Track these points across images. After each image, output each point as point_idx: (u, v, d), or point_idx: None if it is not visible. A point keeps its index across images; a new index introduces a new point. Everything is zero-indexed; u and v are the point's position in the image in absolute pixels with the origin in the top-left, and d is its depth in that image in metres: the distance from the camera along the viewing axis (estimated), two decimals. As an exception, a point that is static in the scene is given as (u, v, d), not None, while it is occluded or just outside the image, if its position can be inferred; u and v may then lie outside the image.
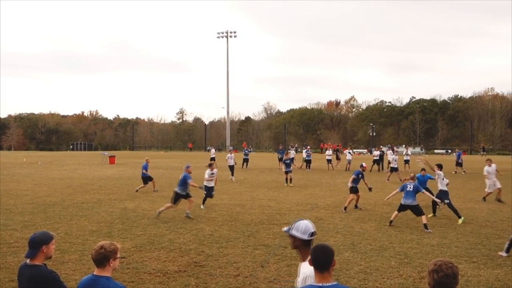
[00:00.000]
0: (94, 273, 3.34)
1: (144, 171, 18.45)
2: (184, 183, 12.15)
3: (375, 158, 30.94)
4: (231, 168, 23.96)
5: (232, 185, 20.43)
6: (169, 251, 8.42)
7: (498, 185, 15.19)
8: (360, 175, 13.93)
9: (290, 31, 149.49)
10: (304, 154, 33.05)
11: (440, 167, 12.59)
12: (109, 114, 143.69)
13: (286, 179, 20.63)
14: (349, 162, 31.37)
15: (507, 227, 10.73)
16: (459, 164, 29.04)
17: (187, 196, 12.16)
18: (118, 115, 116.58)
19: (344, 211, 13.10)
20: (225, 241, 9.26)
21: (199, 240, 9.30)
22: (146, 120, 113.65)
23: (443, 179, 12.49)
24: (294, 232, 3.31)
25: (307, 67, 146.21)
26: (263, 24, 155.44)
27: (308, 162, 31.51)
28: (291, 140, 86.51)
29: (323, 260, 2.83)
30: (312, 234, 3.31)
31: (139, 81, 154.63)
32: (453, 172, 28.03)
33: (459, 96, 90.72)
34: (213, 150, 38.01)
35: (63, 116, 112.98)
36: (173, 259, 7.85)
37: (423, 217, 10.61)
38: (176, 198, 12.11)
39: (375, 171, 29.61)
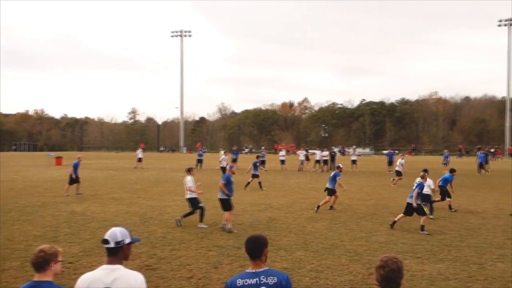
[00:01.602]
0: (34, 279, 3.16)
1: (73, 168, 17.12)
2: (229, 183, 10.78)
3: (324, 158, 31.70)
4: (224, 169, 22.39)
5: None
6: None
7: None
8: (337, 176, 13.88)
9: (245, 32, 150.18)
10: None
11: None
12: (56, 113, 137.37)
13: (249, 183, 19.39)
14: (302, 162, 31.91)
15: (448, 224, 11.35)
16: (391, 164, 30.12)
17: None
18: (65, 114, 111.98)
19: (316, 210, 13.14)
20: (178, 243, 9.13)
21: (151, 242, 9.11)
22: (96, 119, 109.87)
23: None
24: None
25: (261, 68, 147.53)
26: (218, 25, 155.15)
27: (262, 162, 31.74)
28: (245, 141, 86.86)
29: (254, 249, 3.16)
30: (103, 241, 3.04)
31: (89, 79, 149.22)
32: (387, 172, 29.29)
33: (405, 99, 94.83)
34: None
35: (5, 115, 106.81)
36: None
37: (423, 218, 10.44)
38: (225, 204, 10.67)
39: (325, 171, 30.30)
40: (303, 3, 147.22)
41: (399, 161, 22.61)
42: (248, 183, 19.49)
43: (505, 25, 65.20)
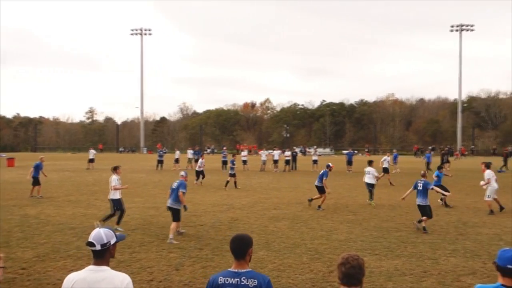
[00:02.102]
0: None
1: (33, 169, 16.47)
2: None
3: (286, 158, 32.03)
4: (200, 173, 21.46)
5: (145, 187, 19.81)
6: (77, 259, 7.92)
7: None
8: (324, 176, 14.06)
9: (206, 32, 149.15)
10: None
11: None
12: (8, 112, 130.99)
13: (228, 182, 19.72)
14: (264, 162, 32.08)
15: (405, 221, 11.75)
16: (350, 163, 30.93)
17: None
18: (18, 114, 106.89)
19: (318, 209, 13.58)
20: (138, 245, 8.95)
21: (110, 245, 8.86)
22: (51, 119, 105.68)
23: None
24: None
25: (223, 68, 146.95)
26: (179, 24, 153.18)
27: (224, 163, 31.65)
28: (207, 141, 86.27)
29: (238, 249, 3.16)
30: (88, 244, 2.99)
31: (43, 77, 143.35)
32: (347, 171, 30.12)
33: (364, 101, 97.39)
34: (177, 152, 35.66)
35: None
36: (81, 267, 7.36)
37: (425, 218, 10.51)
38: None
39: (287, 171, 30.63)
40: (265, 4, 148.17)
41: (384, 158, 23.51)
42: (227, 182, 19.97)
43: (457, 30, 68.33)
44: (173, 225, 9.56)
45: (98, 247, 2.97)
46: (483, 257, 8.09)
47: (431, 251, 8.55)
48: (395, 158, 31.14)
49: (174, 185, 10.02)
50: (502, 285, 2.96)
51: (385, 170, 22.58)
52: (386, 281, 6.77)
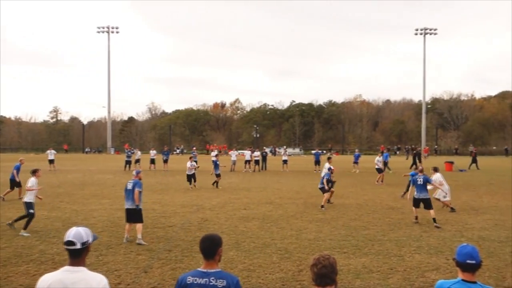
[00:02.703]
0: None
1: (15, 171, 16.24)
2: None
3: (256, 158, 32.13)
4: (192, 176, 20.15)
5: (112, 189, 19.39)
6: (40, 263, 7.66)
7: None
8: (328, 177, 14.64)
9: (175, 31, 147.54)
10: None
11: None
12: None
13: (216, 182, 20.33)
14: (234, 163, 32.03)
15: (372, 219, 12.01)
16: (318, 163, 31.38)
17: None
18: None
19: (322, 208, 13.74)
20: (105, 248, 8.75)
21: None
22: (12, 119, 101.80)
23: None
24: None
25: (192, 68, 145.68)
26: (147, 23, 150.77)
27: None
28: (176, 142, 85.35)
29: (208, 249, 3.15)
30: (67, 243, 2.92)
31: (4, 76, 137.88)
32: (314, 171, 30.55)
33: (332, 101, 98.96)
34: (139, 153, 34.74)
35: None
36: (45, 272, 7.12)
37: (432, 211, 11.26)
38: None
39: (257, 171, 30.72)
40: (234, 5, 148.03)
41: (377, 159, 23.83)
42: (216, 182, 20.35)
43: (421, 33, 70.41)
44: (139, 225, 9.36)
45: (78, 246, 2.90)
46: (446, 253, 8.37)
47: (397, 249, 8.78)
48: (357, 158, 31.73)
49: (129, 185, 9.61)
50: (463, 280, 3.08)
51: (379, 171, 22.89)
52: (354, 278, 6.90)
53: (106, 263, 7.70)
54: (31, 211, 10.19)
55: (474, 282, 3.07)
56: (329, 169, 15.21)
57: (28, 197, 10.39)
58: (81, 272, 2.88)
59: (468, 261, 3.09)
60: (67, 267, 2.91)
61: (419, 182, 11.67)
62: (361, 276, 7.02)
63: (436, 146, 68.43)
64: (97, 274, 2.96)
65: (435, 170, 13.94)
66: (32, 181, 10.53)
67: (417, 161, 32.48)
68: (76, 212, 13.09)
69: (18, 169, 16.42)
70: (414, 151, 37.86)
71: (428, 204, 11.49)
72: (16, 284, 6.54)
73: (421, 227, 11.04)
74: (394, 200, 15.93)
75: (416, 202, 11.72)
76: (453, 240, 9.48)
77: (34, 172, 10.86)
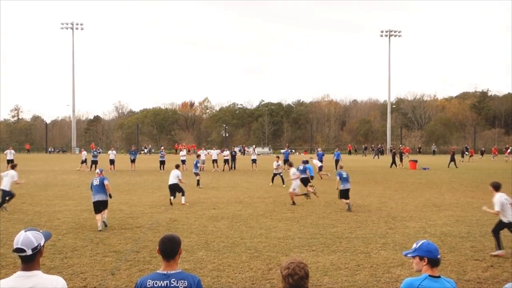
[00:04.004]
0: None
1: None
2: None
3: (225, 158, 32.11)
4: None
5: (77, 189, 18.88)
6: (0, 267, 7.37)
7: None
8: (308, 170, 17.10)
9: (143, 30, 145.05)
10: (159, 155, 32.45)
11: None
12: None
13: (199, 180, 20.74)
14: (203, 162, 31.85)
15: (340, 217, 12.22)
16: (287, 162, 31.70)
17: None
18: None
19: (306, 198, 15.30)
20: (70, 250, 8.51)
21: (39, 252, 8.34)
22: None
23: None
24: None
25: (161, 66, 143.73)
26: (116, 20, 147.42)
27: (162, 163, 31.00)
28: (144, 141, 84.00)
29: (169, 250, 3.08)
30: (17, 250, 2.77)
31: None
32: (283, 169, 30.85)
33: (301, 101, 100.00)
34: (84, 153, 33.92)
35: None
36: (5, 276, 6.87)
37: (349, 200, 13.48)
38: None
39: (226, 171, 30.66)
40: (201, 4, 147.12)
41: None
42: (198, 181, 20.60)
43: (386, 35, 72.17)
44: (106, 210, 10.93)
45: (29, 252, 2.74)
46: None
47: (364, 246, 8.97)
48: (320, 157, 32.09)
49: (96, 181, 10.88)
50: (430, 275, 3.16)
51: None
52: (322, 276, 7.00)
53: (71, 265, 7.50)
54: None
55: (438, 277, 3.17)
56: (306, 162, 17.70)
57: (4, 186, 13.07)
58: (35, 277, 2.75)
59: (438, 256, 3.19)
60: (20, 273, 2.76)
61: (344, 176, 13.81)
62: (329, 273, 7.14)
63: (400, 145, 70.37)
64: (53, 276, 2.86)
65: (301, 162, 17.36)
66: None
67: (398, 160, 34.25)
68: (39, 214, 12.67)
69: None
70: (393, 151, 39.31)
71: (347, 195, 13.76)
72: (-26, 290, 6.27)
73: (386, 224, 11.33)
74: (361, 198, 16.27)
75: (343, 193, 13.75)
76: (417, 236, 9.76)
77: (13, 167, 14.15)
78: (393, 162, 34.64)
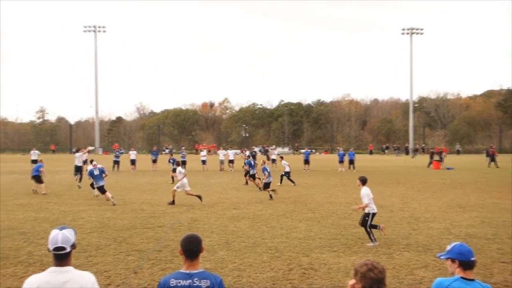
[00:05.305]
0: None
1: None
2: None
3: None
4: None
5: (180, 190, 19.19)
6: (28, 265, 7.56)
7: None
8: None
9: (165, 31, 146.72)
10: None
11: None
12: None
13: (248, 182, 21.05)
14: (222, 162, 32.04)
15: (361, 218, 12.08)
16: (307, 162, 31.54)
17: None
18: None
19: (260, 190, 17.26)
20: (94, 249, 8.67)
21: (64, 250, 8.53)
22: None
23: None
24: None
25: (181, 67, 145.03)
26: (136, 22, 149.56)
27: (183, 163, 31.27)
28: (165, 141, 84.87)
29: (191, 249, 3.09)
30: (58, 249, 2.88)
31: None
32: (303, 170, 30.77)
33: (321, 101, 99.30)
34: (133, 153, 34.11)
35: None
36: (33, 273, 7.05)
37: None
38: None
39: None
40: (222, 4, 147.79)
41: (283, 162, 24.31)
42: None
43: (407, 33, 71.05)
44: (108, 194, 14.77)
45: (68, 249, 2.88)
46: (435, 251, 8.45)
47: (386, 247, 8.85)
48: (341, 157, 31.91)
49: (96, 171, 15.36)
50: (462, 278, 3.08)
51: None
52: (344, 277, 6.94)
53: (96, 264, 7.64)
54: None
55: (472, 280, 3.09)
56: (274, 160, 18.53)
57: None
58: (69, 272, 2.86)
59: (472, 259, 3.12)
60: (53, 268, 2.87)
61: (268, 170, 16.81)
62: (350, 274, 7.04)
63: (423, 145, 69.16)
64: (84, 272, 2.96)
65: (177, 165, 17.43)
66: None
67: (439, 159, 33.94)
68: (64, 213, 12.95)
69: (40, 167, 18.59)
70: (431, 150, 39.33)
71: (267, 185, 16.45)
72: (3, 286, 6.46)
73: (409, 225, 11.15)
74: (383, 198, 16.06)
75: (267, 185, 16.44)
76: (441, 238, 9.59)
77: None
78: (431, 162, 34.14)
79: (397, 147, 66.32)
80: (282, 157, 24.73)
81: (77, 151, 24.87)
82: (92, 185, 16.65)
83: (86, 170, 17.58)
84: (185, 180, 14.97)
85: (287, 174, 21.51)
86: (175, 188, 14.94)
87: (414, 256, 8.12)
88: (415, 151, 57.44)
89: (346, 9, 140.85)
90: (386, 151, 68.69)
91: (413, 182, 22.25)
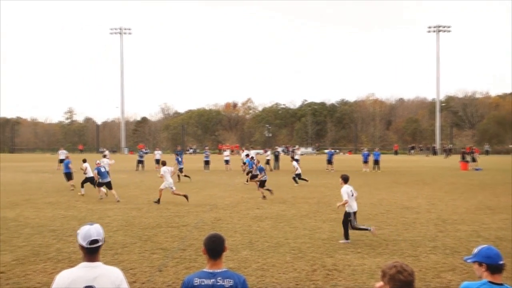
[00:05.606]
0: None
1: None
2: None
3: (267, 158, 32.19)
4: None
5: (127, 188, 19.58)
6: (57, 261, 7.78)
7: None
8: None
9: (187, 32, 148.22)
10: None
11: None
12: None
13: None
14: (244, 162, 32.11)
15: (386, 219, 11.92)
16: (330, 162, 31.32)
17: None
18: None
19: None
20: (120, 247, 8.84)
21: (91, 247, 8.73)
22: (29, 119, 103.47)
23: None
24: (77, 238, 3.07)
25: (205, 67, 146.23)
26: (160, 23, 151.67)
27: (206, 163, 31.55)
28: (189, 141, 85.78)
29: (215, 248, 3.12)
30: (93, 242, 3.00)
31: (19, 76, 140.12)
32: (326, 170, 30.50)
33: (345, 100, 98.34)
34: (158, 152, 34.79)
35: None
36: (62, 270, 7.24)
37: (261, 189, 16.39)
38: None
39: (268, 171, 30.69)
40: (242, 4, 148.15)
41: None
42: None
43: (434, 31, 69.62)
44: (113, 190, 15.67)
45: (101, 243, 3.00)
46: (463, 254, 8.25)
47: (412, 248, 8.69)
48: (366, 157, 31.58)
49: (103, 169, 16.48)
50: (490, 282, 3.00)
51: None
52: (368, 278, 6.86)
53: (122, 261, 7.78)
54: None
55: (501, 284, 3.00)
56: (252, 158, 19.09)
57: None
58: (99, 267, 2.96)
59: (501, 262, 3.03)
60: (85, 263, 2.96)
61: (257, 166, 17.74)
62: (375, 276, 6.97)
63: (450, 145, 67.60)
64: (113, 267, 3.05)
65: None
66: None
67: (471, 160, 33.49)
68: (92, 211, 13.25)
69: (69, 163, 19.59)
70: (462, 151, 38.79)
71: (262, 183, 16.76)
72: (34, 282, 6.66)
73: (436, 227, 10.92)
74: (409, 199, 15.79)
75: (262, 183, 16.71)
76: (469, 240, 9.35)
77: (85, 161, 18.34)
78: (466, 161, 33.43)
79: (427, 147, 65.04)
80: (293, 157, 24.68)
81: (105, 156, 25.30)
82: (99, 184, 16.57)
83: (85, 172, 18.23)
84: (170, 179, 15.26)
85: (298, 174, 21.43)
86: (161, 187, 15.13)
87: (441, 259, 7.95)
88: (449, 151, 56.10)
89: (371, 7, 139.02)
90: (412, 151, 67.43)
91: (440, 183, 21.77)
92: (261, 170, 17.56)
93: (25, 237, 9.67)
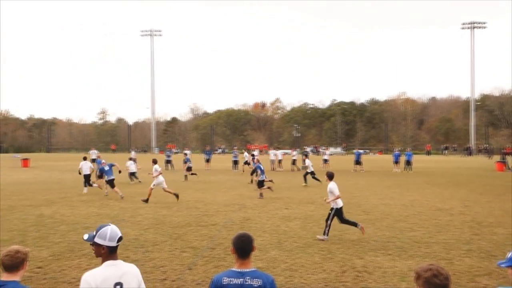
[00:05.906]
0: (2, 278, 3.10)
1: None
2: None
3: (293, 158, 32.08)
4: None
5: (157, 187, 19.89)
6: (91, 258, 8.00)
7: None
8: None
9: (214, 33, 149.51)
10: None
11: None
12: (22, 113, 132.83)
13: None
14: (273, 162, 32.17)
15: (418, 221, 11.65)
16: (359, 163, 30.81)
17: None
18: (32, 115, 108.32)
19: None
20: (151, 245, 9.01)
21: (124, 245, 8.93)
22: (64, 120, 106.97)
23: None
24: (99, 240, 3.09)
25: (233, 68, 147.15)
26: (189, 24, 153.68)
27: (235, 162, 31.73)
28: (218, 141, 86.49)
29: (244, 248, 3.13)
30: (120, 239, 3.15)
31: (55, 78, 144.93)
32: (352, 171, 30.00)
33: (375, 99, 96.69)
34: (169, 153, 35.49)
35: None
36: (95, 266, 7.45)
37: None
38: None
39: (295, 171, 30.54)
40: (271, 4, 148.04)
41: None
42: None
43: (468, 28, 67.51)
44: (116, 188, 16.25)
45: (121, 241, 3.15)
46: (499, 258, 7.96)
47: (445, 251, 8.47)
48: (397, 157, 30.92)
49: (107, 167, 16.92)
50: None
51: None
52: (399, 281, 6.72)
53: (152, 259, 7.93)
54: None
55: None
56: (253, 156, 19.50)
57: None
58: (121, 265, 3.07)
59: None
60: (109, 262, 3.05)
61: (262, 168, 17.20)
62: (406, 279, 6.83)
63: (486, 145, 65.37)
64: (130, 264, 3.16)
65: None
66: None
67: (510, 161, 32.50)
68: (124, 210, 13.56)
69: (99, 163, 20.02)
70: (503, 151, 37.64)
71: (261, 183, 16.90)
72: (69, 277, 6.88)
73: (471, 229, 10.58)
74: (442, 201, 15.38)
75: (261, 183, 16.82)
76: (506, 244, 9.02)
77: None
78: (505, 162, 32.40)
79: (465, 148, 63.14)
80: (306, 155, 24.43)
81: (132, 159, 25.70)
82: (106, 180, 16.99)
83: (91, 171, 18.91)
84: (161, 178, 15.42)
85: (312, 173, 21.19)
86: (151, 186, 15.28)
87: (476, 263, 7.71)
88: (490, 151, 54.20)
89: (400, 5, 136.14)
90: (445, 151, 65.64)
91: (474, 184, 21.10)
92: (259, 168, 17.51)
93: (61, 234, 10.00)
